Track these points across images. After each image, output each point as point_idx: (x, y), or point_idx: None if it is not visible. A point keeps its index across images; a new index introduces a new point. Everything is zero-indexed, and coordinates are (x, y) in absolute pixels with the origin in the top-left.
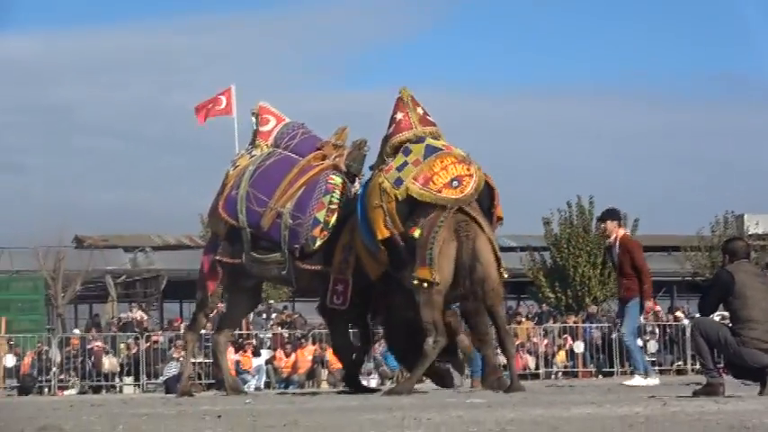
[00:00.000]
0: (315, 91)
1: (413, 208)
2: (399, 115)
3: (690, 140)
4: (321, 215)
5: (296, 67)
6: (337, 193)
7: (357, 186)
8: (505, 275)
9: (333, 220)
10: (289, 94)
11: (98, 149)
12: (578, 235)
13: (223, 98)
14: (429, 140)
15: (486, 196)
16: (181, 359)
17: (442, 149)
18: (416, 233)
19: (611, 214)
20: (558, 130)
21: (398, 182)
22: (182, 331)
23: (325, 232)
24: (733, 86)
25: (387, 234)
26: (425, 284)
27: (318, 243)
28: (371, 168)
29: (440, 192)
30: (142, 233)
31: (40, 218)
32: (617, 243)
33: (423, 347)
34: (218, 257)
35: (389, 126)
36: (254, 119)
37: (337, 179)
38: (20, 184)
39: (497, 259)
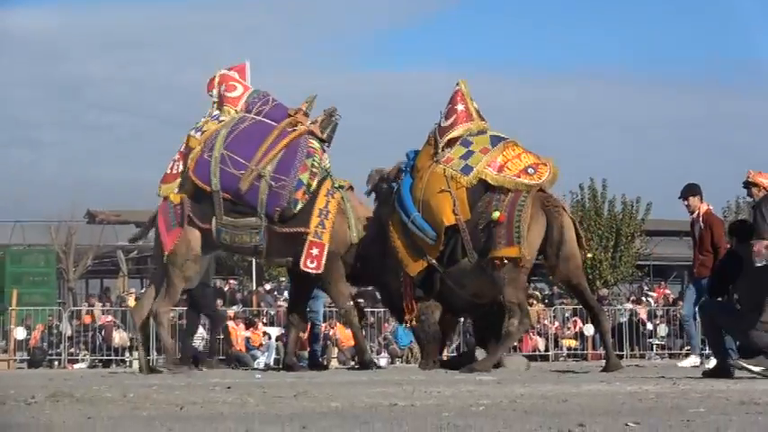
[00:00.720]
0: (328, 69)
1: (481, 195)
2: (460, 107)
3: (703, 126)
4: (305, 177)
5: (310, 45)
6: (317, 158)
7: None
8: (589, 255)
9: (314, 183)
10: (303, 73)
11: (112, 126)
12: (590, 218)
13: (236, 74)
14: (491, 132)
15: None
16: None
17: (506, 138)
18: (495, 215)
19: (693, 190)
20: (571, 114)
21: (467, 169)
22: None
23: (307, 196)
24: (747, 72)
25: (453, 221)
26: (512, 263)
27: (299, 206)
28: (412, 158)
29: (518, 177)
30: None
31: (53, 192)
32: (700, 218)
33: (507, 327)
34: (189, 214)
35: (448, 116)
36: (215, 89)
37: (316, 144)
38: (33, 159)
39: (579, 238)
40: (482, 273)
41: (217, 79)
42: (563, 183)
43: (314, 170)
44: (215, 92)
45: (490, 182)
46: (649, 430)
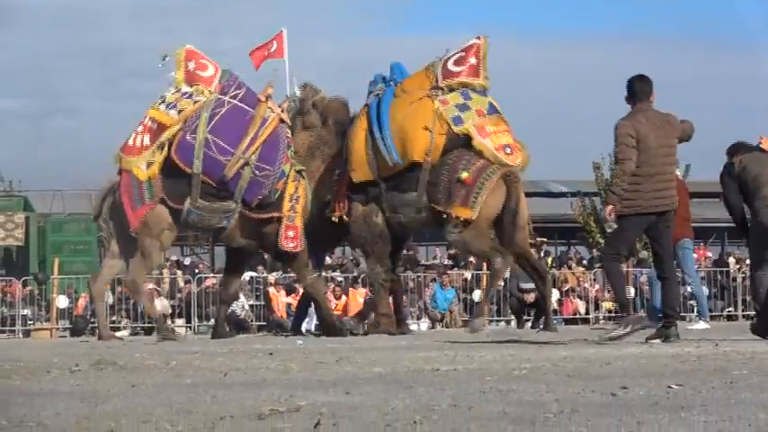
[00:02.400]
0: (362, 36)
1: (456, 146)
2: (473, 60)
3: (744, 88)
4: (287, 168)
5: (344, 12)
6: (292, 146)
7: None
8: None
9: (291, 172)
10: (338, 40)
11: (150, 94)
12: None
13: (274, 42)
14: (491, 98)
15: None
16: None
17: (499, 112)
18: (464, 175)
19: None
20: (610, 77)
21: (458, 120)
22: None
23: (284, 184)
24: None
25: (420, 159)
26: (469, 223)
27: (277, 195)
28: (398, 75)
29: (497, 151)
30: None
31: (93, 161)
32: None
33: (492, 267)
34: (163, 196)
35: (458, 63)
36: (182, 63)
37: (289, 132)
38: (73, 127)
39: None
40: (421, 212)
41: (183, 54)
42: (602, 145)
43: (292, 160)
44: (181, 67)
45: (473, 143)
46: (692, 392)
